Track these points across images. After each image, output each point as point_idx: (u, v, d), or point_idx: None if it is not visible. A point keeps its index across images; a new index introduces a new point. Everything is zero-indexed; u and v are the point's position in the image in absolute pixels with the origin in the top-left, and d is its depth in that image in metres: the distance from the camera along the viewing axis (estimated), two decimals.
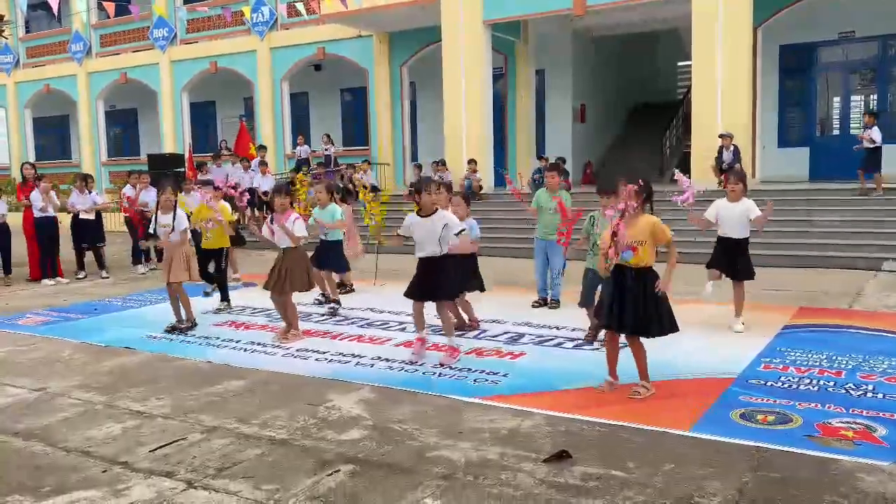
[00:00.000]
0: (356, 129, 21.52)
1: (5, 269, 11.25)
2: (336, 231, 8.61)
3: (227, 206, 8.85)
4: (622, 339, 5.21)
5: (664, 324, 5.01)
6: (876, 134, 12.69)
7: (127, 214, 12.44)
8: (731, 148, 13.21)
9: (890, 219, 11.56)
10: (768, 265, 10.16)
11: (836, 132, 16.33)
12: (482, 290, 7.36)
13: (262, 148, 18.45)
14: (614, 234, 4.79)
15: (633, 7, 15.29)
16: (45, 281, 11.29)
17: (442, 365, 5.91)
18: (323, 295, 8.48)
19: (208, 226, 8.08)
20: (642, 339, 5.10)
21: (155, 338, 7.32)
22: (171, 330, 7.52)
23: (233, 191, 8.30)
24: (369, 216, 9.93)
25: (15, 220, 11.61)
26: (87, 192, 11.88)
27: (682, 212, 6.88)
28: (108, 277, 11.64)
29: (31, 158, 26.96)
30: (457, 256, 6.44)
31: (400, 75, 19.67)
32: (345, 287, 9.35)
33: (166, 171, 15.56)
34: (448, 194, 7.26)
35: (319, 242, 8.65)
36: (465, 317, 7.28)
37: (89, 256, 11.92)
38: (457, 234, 5.95)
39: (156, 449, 4.33)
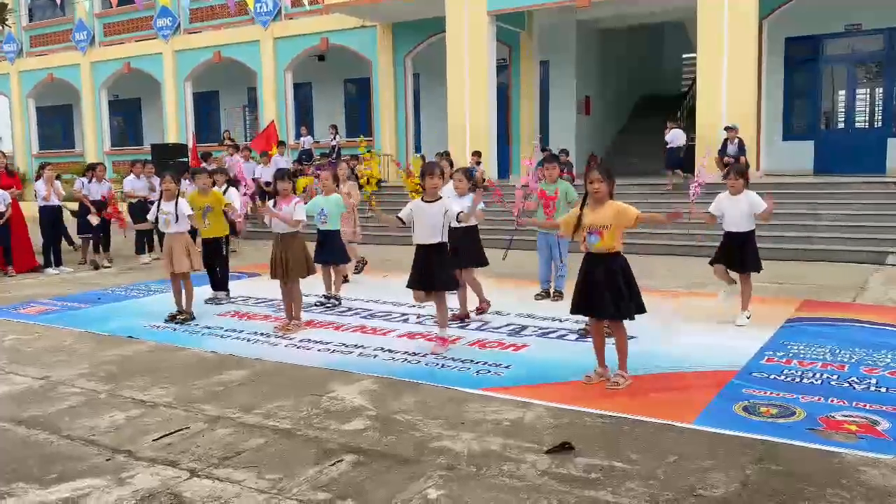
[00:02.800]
0: (359, 119, 21.49)
1: (6, 258, 11.27)
2: (334, 221, 8.52)
3: (220, 193, 8.78)
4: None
5: (630, 306, 5.03)
6: (674, 136, 14.59)
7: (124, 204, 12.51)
8: (736, 141, 13.17)
9: (894, 213, 11.52)
10: (772, 258, 10.13)
11: (841, 125, 16.27)
12: (484, 264, 7.44)
13: (281, 144, 18.54)
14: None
15: None
16: (49, 270, 11.32)
17: (433, 354, 5.98)
18: (325, 296, 8.40)
19: (204, 222, 8.09)
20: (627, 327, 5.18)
21: (158, 327, 7.33)
22: (172, 319, 7.55)
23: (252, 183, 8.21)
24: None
25: None
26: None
27: (683, 204, 6.88)
28: (109, 266, 11.69)
29: (35, 148, 27.06)
30: (459, 231, 6.84)
31: (404, 66, 19.62)
32: (346, 279, 9.35)
33: (170, 161, 15.59)
34: (467, 180, 7.35)
35: (318, 233, 8.59)
36: (476, 300, 7.36)
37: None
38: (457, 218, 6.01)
39: (159, 438, 4.34)
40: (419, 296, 6.16)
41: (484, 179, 15.66)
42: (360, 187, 11.29)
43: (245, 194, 8.01)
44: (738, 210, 6.80)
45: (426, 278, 6.03)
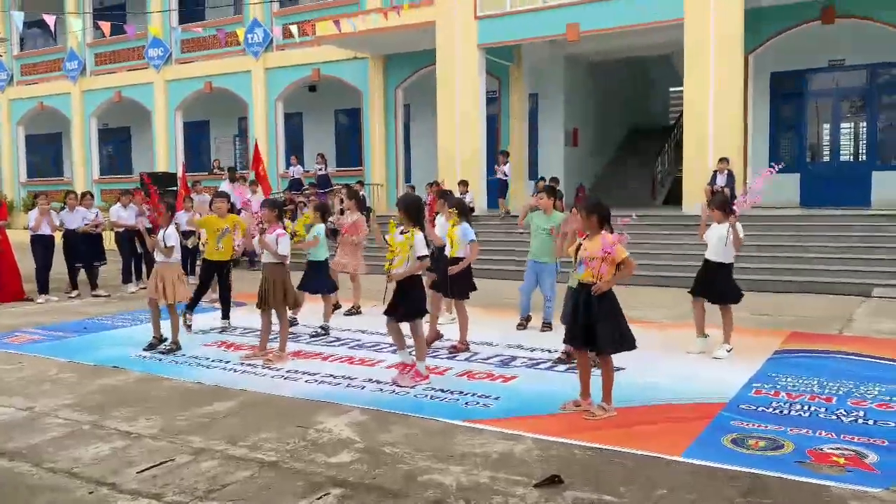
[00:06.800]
0: (350, 149, 21.59)
1: None
2: (319, 251, 8.53)
3: (239, 217, 8.83)
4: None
5: (615, 339, 5.07)
6: (508, 169, 16.14)
7: (118, 230, 12.41)
8: (726, 172, 13.29)
9: (880, 245, 11.63)
10: (760, 290, 10.20)
11: (826, 158, 16.47)
12: (468, 294, 7.50)
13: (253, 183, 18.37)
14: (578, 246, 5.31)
15: (625, 33, 15.45)
16: (37, 299, 11.22)
17: (394, 382, 6.01)
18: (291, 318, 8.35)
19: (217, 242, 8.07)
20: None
21: (144, 357, 7.27)
22: (151, 347, 7.50)
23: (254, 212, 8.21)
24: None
25: None
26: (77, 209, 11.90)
27: (677, 235, 6.92)
28: (99, 296, 11.59)
29: (23, 176, 26.98)
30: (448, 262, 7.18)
31: (394, 97, 19.77)
32: (340, 307, 9.35)
33: (161, 190, 15.57)
34: (448, 207, 7.57)
35: (306, 264, 8.61)
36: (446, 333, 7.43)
37: (82, 275, 11.88)
38: (419, 258, 6.01)
39: (144, 470, 4.29)
40: (388, 322, 6.19)
41: (472, 208, 15.74)
42: (368, 218, 11.12)
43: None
44: (714, 238, 6.90)
45: (394, 307, 6.10)
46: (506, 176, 16.12)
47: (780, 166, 7.03)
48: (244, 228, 8.26)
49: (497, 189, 16.39)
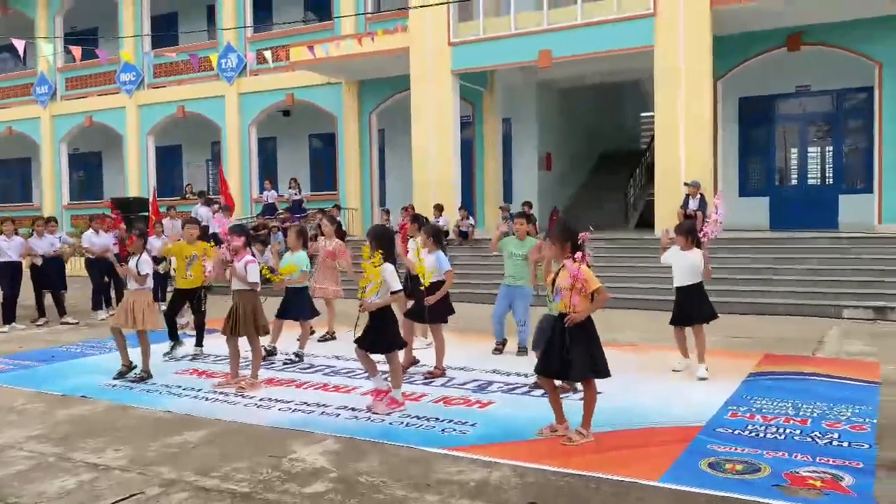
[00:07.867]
0: (324, 174, 21.55)
1: None
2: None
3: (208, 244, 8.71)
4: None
5: (587, 368, 5.07)
6: (472, 220, 16.42)
7: (89, 256, 12.21)
8: (698, 197, 13.45)
9: (848, 267, 11.81)
10: (732, 312, 10.28)
11: (794, 182, 16.75)
12: (445, 318, 7.45)
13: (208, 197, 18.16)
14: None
15: (597, 60, 15.67)
16: (3, 326, 10.99)
17: (369, 409, 5.93)
18: (267, 349, 8.23)
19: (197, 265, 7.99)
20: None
21: (114, 386, 7.12)
22: (121, 375, 7.36)
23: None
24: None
25: None
26: (45, 234, 11.69)
27: (650, 258, 7.00)
28: (69, 323, 11.36)
29: None
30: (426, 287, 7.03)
31: (369, 122, 19.81)
32: (314, 332, 9.25)
33: (130, 215, 15.42)
34: (427, 237, 7.47)
35: (285, 290, 8.54)
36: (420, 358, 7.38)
37: (48, 301, 11.64)
38: (393, 293, 5.90)
39: None
40: (356, 350, 6.07)
41: (447, 233, 15.77)
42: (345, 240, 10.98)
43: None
44: (683, 265, 7.02)
45: (367, 337, 5.98)
46: (471, 227, 16.22)
47: (719, 199, 7.26)
48: (213, 255, 8.15)
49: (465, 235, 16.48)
